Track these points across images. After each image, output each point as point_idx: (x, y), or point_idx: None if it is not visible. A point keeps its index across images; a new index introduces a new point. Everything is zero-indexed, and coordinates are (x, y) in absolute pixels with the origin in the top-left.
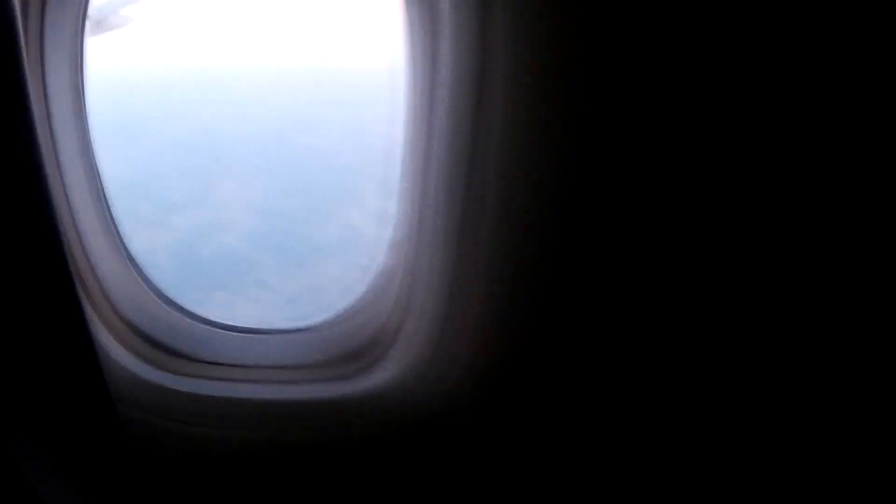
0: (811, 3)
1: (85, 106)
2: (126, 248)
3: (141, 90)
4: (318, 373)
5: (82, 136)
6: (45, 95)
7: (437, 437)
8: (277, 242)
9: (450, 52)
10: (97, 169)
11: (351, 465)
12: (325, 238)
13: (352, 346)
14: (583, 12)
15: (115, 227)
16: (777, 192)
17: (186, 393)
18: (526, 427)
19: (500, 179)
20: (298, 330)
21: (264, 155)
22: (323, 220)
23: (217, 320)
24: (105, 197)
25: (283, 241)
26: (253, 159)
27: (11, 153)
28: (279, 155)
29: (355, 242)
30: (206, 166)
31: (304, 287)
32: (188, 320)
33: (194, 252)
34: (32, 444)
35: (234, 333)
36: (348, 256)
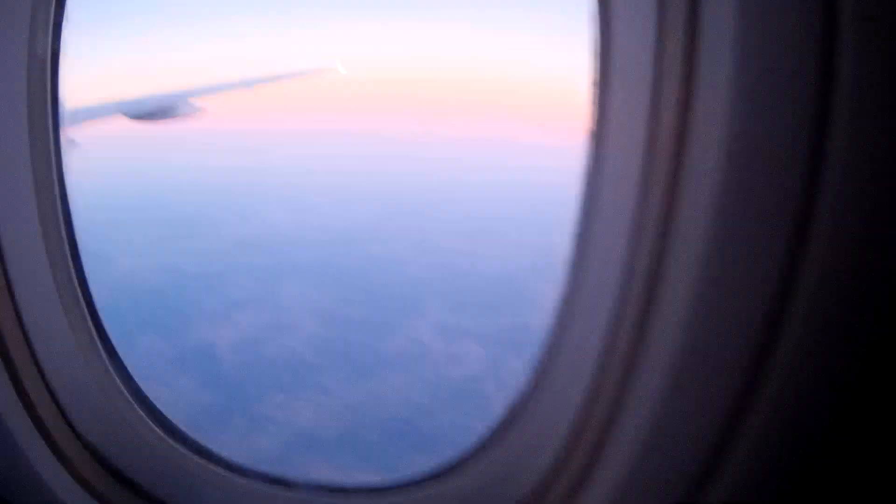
0: None
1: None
2: (106, 348)
3: (210, 182)
4: None
5: None
6: None
7: None
8: (340, 349)
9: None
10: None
11: None
12: (389, 348)
13: None
14: None
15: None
16: None
17: None
18: None
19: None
20: (395, 487)
21: (331, 261)
22: (387, 330)
23: (241, 463)
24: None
25: (345, 348)
26: (319, 264)
27: None
28: (347, 262)
29: (419, 355)
30: (271, 266)
31: (364, 395)
32: (197, 459)
33: (255, 351)
34: None
35: (270, 487)
36: (412, 368)
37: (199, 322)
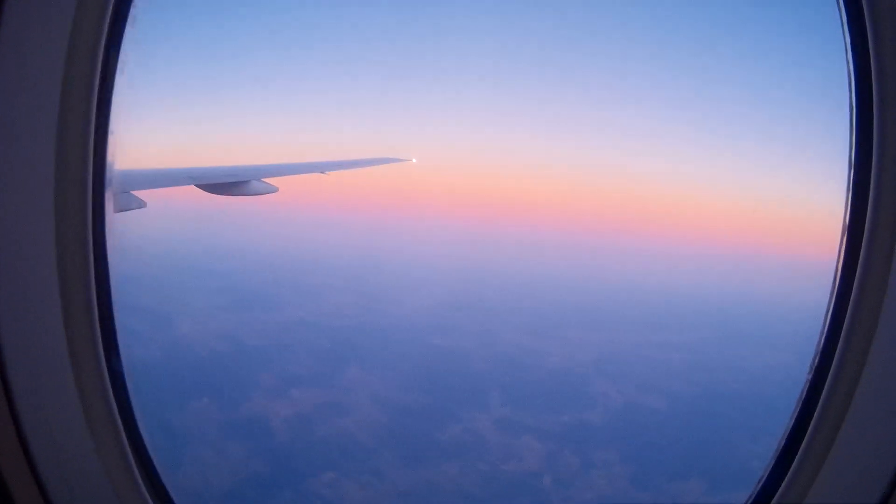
0: None
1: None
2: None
3: (278, 260)
4: None
5: None
6: None
7: None
8: (396, 434)
9: None
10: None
11: None
12: (446, 438)
13: None
14: None
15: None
16: None
17: None
18: None
19: None
20: None
21: (395, 348)
22: (445, 420)
23: None
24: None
25: (402, 434)
26: (383, 351)
27: None
28: (410, 350)
29: (476, 446)
30: (332, 348)
31: (417, 482)
32: None
33: (310, 428)
34: None
35: None
36: (468, 459)
37: (254, 393)
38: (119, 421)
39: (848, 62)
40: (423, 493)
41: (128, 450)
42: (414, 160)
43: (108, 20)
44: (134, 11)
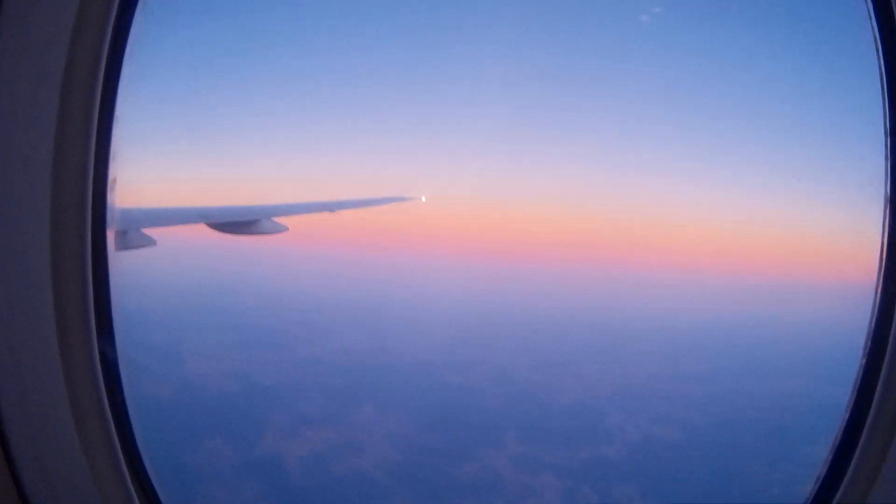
0: None
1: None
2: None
3: (288, 299)
4: None
5: None
6: None
7: None
8: (413, 474)
9: None
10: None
11: None
12: (463, 476)
13: None
14: None
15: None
16: None
17: None
18: None
19: None
20: None
21: (408, 387)
22: (461, 458)
23: None
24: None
25: (419, 474)
26: (396, 389)
27: None
28: (423, 389)
29: (493, 485)
30: (345, 387)
31: None
32: None
33: (324, 468)
34: None
35: None
36: (486, 498)
37: (267, 432)
38: (112, 425)
39: (879, 63)
40: None
41: (119, 452)
42: (423, 199)
43: (106, 48)
44: (133, 40)
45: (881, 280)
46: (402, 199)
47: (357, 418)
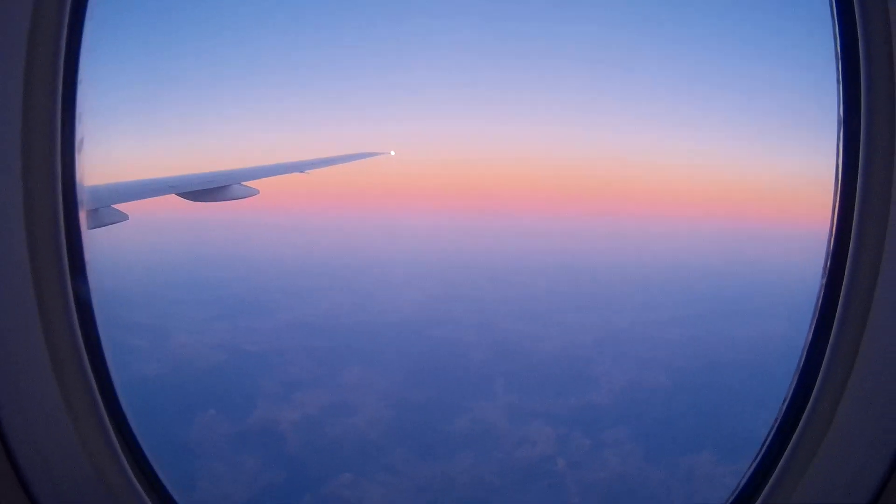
0: None
1: None
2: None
3: (265, 264)
4: None
5: None
6: None
7: None
8: (406, 430)
9: None
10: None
11: None
12: (456, 429)
13: None
14: None
15: None
16: None
17: None
18: None
19: None
20: None
21: (393, 343)
22: (453, 411)
23: None
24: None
25: (411, 429)
26: (381, 347)
27: None
28: (408, 344)
29: (487, 435)
30: (330, 348)
31: (435, 475)
32: None
33: (319, 431)
34: None
35: None
36: (481, 449)
37: (259, 400)
38: (106, 417)
39: (836, 50)
40: (442, 486)
41: (115, 443)
42: (392, 153)
43: (65, 27)
44: (92, 14)
45: (823, 285)
46: (372, 155)
47: (346, 378)
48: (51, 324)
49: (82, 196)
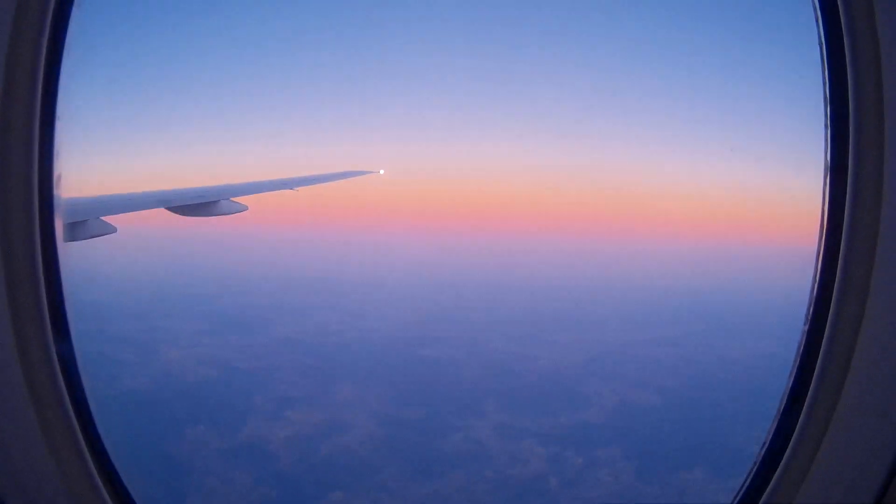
0: None
1: None
2: None
3: (255, 280)
4: None
5: None
6: None
7: None
8: (398, 448)
9: None
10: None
11: None
12: (448, 448)
13: None
14: None
15: None
16: None
17: None
18: None
19: None
20: None
21: (384, 363)
22: (444, 429)
23: None
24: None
25: (403, 448)
26: (373, 366)
27: None
28: (399, 364)
29: (479, 454)
30: (321, 366)
31: (428, 494)
32: None
33: (310, 448)
34: None
35: None
36: (473, 468)
37: (250, 417)
38: (78, 430)
39: (822, 57)
40: None
41: (89, 460)
42: (382, 172)
43: (47, 33)
44: (76, 19)
45: (814, 291)
46: (361, 174)
47: (337, 396)
48: (25, 337)
49: (59, 205)
